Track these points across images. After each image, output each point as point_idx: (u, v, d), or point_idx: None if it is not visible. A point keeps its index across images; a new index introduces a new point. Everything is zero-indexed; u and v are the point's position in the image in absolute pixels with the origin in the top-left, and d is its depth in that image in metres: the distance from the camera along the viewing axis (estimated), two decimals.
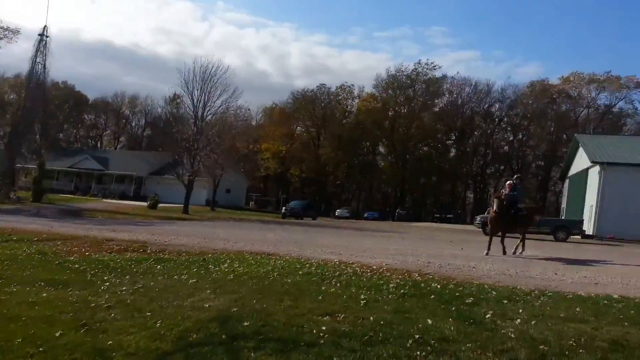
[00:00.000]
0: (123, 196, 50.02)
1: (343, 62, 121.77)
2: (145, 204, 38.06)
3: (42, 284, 6.79)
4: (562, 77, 65.64)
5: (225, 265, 8.93)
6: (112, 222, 21.22)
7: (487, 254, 12.86)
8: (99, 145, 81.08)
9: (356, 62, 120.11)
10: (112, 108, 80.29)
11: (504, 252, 13.19)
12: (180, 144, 35.58)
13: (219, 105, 36.36)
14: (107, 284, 6.93)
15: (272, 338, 4.59)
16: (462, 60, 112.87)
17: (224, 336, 4.64)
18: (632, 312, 6.14)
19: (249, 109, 64.74)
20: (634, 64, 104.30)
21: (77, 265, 8.44)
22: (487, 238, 14.18)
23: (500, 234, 13.53)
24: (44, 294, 6.17)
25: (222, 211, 41.67)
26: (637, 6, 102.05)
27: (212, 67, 35.41)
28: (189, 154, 35.12)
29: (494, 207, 13.23)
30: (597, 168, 30.95)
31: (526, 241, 14.36)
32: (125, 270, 8.08)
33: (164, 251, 11.00)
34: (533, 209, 16.38)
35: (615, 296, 7.17)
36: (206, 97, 35.46)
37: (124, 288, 6.63)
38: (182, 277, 7.62)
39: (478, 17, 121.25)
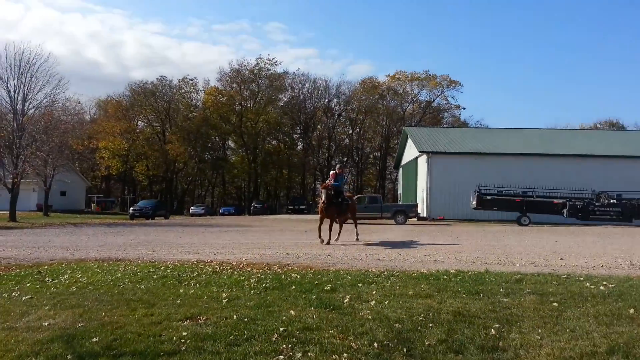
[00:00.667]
0: None
1: (183, 54, 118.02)
2: None
3: None
4: (389, 75, 72.44)
5: (66, 276, 8.01)
6: None
7: (322, 241, 13.52)
8: None
9: (197, 55, 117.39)
10: None
11: (328, 241, 13.55)
12: None
13: (43, 98, 32.29)
14: None
15: (127, 352, 4.22)
16: (302, 57, 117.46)
17: (69, 357, 4.14)
18: (467, 284, 6.97)
19: (79, 102, 58.93)
20: (449, 63, 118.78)
21: None
22: (338, 227, 14.89)
23: (328, 222, 13.88)
24: None
25: (58, 216, 37.59)
26: (452, 9, 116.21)
27: (30, 54, 31.32)
28: (10, 153, 30.67)
29: (323, 198, 13.56)
30: (424, 157, 34.64)
31: (371, 225, 15.49)
32: None
33: None
34: (352, 197, 16.88)
35: (452, 271, 8.08)
36: (26, 88, 31.24)
37: None
38: (13, 294, 6.63)
39: (312, 16, 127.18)
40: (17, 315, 5.44)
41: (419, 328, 4.84)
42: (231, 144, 72.65)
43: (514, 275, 7.73)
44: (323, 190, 13.76)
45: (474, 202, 28.63)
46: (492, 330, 4.79)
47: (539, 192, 28.92)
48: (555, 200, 28.37)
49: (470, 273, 7.96)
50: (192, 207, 57.77)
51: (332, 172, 14.65)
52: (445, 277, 7.57)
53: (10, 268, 9.19)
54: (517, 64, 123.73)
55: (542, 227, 25.57)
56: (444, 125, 66.07)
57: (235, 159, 70.70)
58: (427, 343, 4.40)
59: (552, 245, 14.49)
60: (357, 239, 14.64)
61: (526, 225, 27.32)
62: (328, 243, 13.39)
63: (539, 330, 4.81)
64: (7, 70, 30.57)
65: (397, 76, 70.82)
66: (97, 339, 4.53)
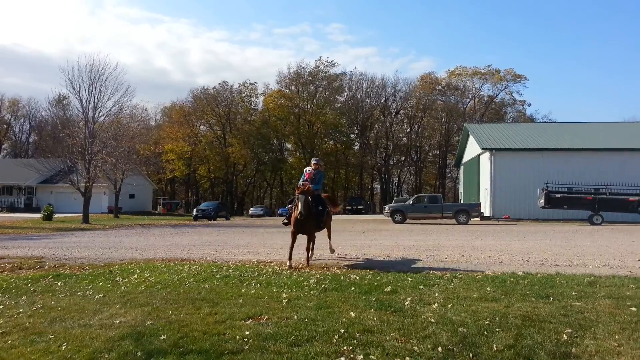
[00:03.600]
0: (12, 209, 45.80)
1: (246, 59, 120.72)
2: (38, 215, 34.99)
3: None
4: (449, 70, 70.48)
5: (135, 276, 8.38)
6: (1, 237, 19.15)
7: (290, 266, 9.20)
8: None
9: (259, 59, 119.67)
10: None
11: (308, 261, 9.79)
12: (72, 148, 32.86)
13: (112, 106, 34.04)
14: (1, 307, 6.18)
15: (193, 350, 4.33)
16: (362, 56, 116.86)
17: (139, 353, 4.30)
18: (536, 287, 6.65)
19: (146, 109, 61.84)
20: (513, 57, 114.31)
21: None
22: (398, 226, 14.59)
23: (307, 237, 9.91)
24: None
25: (127, 218, 39.49)
26: (515, 6, 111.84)
27: (100, 64, 33.10)
28: (82, 159, 32.60)
29: (299, 207, 9.20)
30: (487, 154, 33.48)
31: (431, 225, 14.98)
32: (21, 291, 7.27)
33: (63, 266, 10.10)
34: (331, 198, 12.01)
35: (520, 273, 7.74)
36: (96, 97, 33.04)
37: (21, 310, 5.95)
38: (87, 292, 7.01)
39: (373, 15, 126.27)
40: (90, 313, 5.74)
41: (485, 333, 4.66)
42: (289, 145, 73.60)
43: (587, 278, 7.31)
44: (300, 197, 9.31)
45: (542, 201, 27.39)
46: (564, 335, 4.54)
47: (612, 189, 27.25)
48: (631, 198, 26.65)
49: (539, 275, 7.60)
50: (251, 208, 58.98)
51: (307, 169, 10.55)
52: (512, 279, 7.26)
53: (84, 268, 9.73)
54: (587, 56, 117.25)
55: (616, 227, 24.06)
56: (508, 121, 63.43)
57: (293, 160, 71.59)
58: (494, 348, 4.23)
59: (628, 245, 13.58)
60: (332, 251, 11.12)
61: (599, 224, 25.83)
62: (307, 264, 9.63)
63: (616, 337, 4.51)
64: (79, 81, 32.52)
65: (457, 72, 69.01)
66: (164, 337, 4.69)
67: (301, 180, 10.37)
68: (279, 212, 57.14)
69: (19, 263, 10.54)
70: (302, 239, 9.87)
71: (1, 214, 40.14)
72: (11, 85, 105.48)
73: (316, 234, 10.32)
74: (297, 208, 9.23)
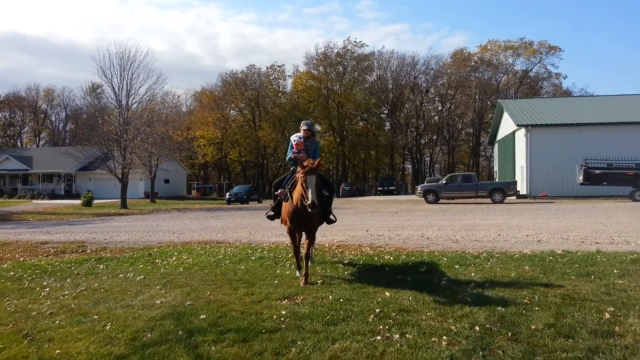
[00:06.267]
0: (53, 195, 47.49)
1: (275, 41, 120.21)
2: (78, 201, 36.21)
3: None
4: (480, 45, 68.36)
5: (173, 258, 8.61)
6: (44, 223, 19.94)
7: (306, 278, 6.27)
8: (19, 144, 75.86)
9: (288, 41, 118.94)
10: (27, 103, 75.03)
11: (307, 278, 6.30)
12: (108, 136, 33.73)
13: (144, 93, 34.67)
14: (47, 289, 6.46)
15: (232, 329, 4.43)
16: (392, 33, 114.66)
17: (180, 332, 4.43)
18: (576, 265, 6.50)
19: (178, 96, 62.70)
20: (546, 28, 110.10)
21: (12, 273, 7.84)
22: (431, 206, 14.42)
23: (306, 235, 6.79)
24: None
25: (163, 202, 40.42)
26: None
27: (130, 51, 33.64)
28: (118, 145, 33.42)
29: (309, 194, 6.02)
30: (522, 131, 32.59)
31: (465, 205, 14.71)
32: (65, 274, 7.58)
33: (105, 249, 10.47)
34: (326, 180, 7.83)
35: (559, 251, 7.57)
36: (128, 84, 33.68)
37: (66, 292, 6.21)
38: (128, 274, 7.25)
39: None
40: (132, 294, 5.94)
41: (523, 312, 4.58)
42: (318, 127, 73.45)
43: (630, 256, 7.09)
44: (309, 178, 6.11)
45: (581, 177, 26.56)
46: (607, 314, 4.42)
47: None
48: None
49: (579, 253, 7.42)
50: None
51: (295, 137, 7.23)
52: (551, 258, 7.11)
53: (124, 251, 10.06)
54: (626, 26, 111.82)
55: None
56: (543, 96, 61.27)
57: (324, 142, 71.52)
58: (533, 327, 4.16)
59: None
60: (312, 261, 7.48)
61: None
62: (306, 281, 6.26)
63: None
64: (110, 69, 33.17)
65: (488, 46, 66.98)
66: (204, 316, 4.81)
67: (289, 151, 7.26)
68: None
69: (62, 247, 10.97)
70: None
71: (43, 201, 41.69)
72: (46, 75, 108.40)
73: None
74: (306, 195, 6.04)
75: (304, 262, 6.43)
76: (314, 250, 7.55)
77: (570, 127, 32.04)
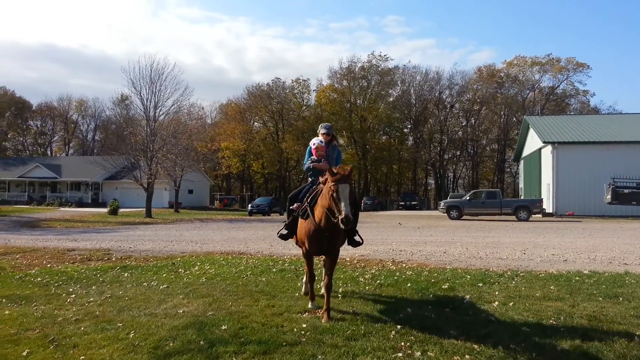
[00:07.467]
0: (80, 203, 48.56)
1: (301, 55, 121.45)
2: (104, 210, 36.90)
3: (3, 300, 6.41)
4: (505, 61, 67.69)
5: (196, 268, 8.70)
6: (71, 231, 20.39)
7: (315, 304, 5.67)
8: (49, 152, 77.98)
9: (314, 55, 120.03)
10: (59, 113, 77.23)
11: (329, 312, 5.24)
12: (135, 146, 34.46)
13: (171, 105, 35.43)
14: (73, 296, 6.60)
15: (252, 340, 4.45)
16: (419, 48, 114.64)
17: (201, 342, 4.47)
18: (603, 286, 6.34)
19: (202, 108, 63.70)
20: (573, 45, 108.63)
21: (39, 279, 8.02)
22: (454, 222, 14.30)
23: (326, 260, 5.83)
24: (6, 312, 5.80)
25: (187, 212, 40.87)
26: None
27: (159, 64, 34.44)
28: (145, 156, 34.08)
29: (343, 207, 4.83)
30: (549, 148, 32.07)
31: (489, 222, 14.56)
32: (90, 281, 7.73)
33: (129, 258, 10.64)
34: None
35: (586, 272, 7.40)
36: (156, 96, 34.47)
37: (92, 299, 6.33)
38: (152, 283, 7.35)
39: (431, 5, 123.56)
40: (155, 303, 6.01)
41: (548, 332, 4.49)
42: (341, 141, 73.54)
43: None
44: (342, 187, 4.97)
45: (609, 196, 25.92)
46: (636, 337, 4.30)
47: None
48: None
49: (606, 274, 7.24)
50: None
51: (315, 141, 6.28)
52: (577, 278, 6.96)
53: (148, 260, 10.20)
54: None
55: None
56: (570, 113, 60.29)
57: (346, 155, 71.55)
58: (558, 349, 4.07)
59: None
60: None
61: None
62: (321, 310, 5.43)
63: None
64: (140, 81, 33.98)
65: (515, 62, 66.39)
66: (225, 327, 4.85)
67: (306, 158, 6.42)
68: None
69: (88, 255, 11.19)
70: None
71: (70, 209, 42.63)
72: (77, 86, 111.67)
73: None
74: (339, 208, 4.85)
75: (326, 294, 5.35)
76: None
77: (598, 145, 31.42)
